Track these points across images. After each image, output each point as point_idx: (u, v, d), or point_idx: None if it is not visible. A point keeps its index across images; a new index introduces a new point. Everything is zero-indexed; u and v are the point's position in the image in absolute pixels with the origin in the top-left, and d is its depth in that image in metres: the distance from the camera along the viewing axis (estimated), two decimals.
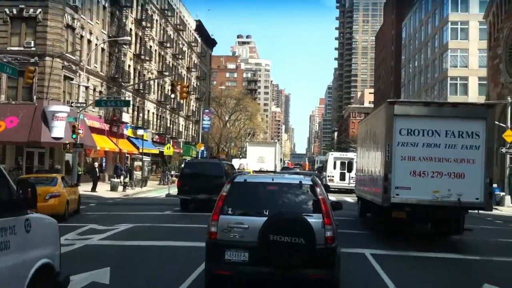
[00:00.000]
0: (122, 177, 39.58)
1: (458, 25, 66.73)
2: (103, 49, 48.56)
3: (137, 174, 45.37)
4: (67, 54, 40.02)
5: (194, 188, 23.51)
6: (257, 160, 51.26)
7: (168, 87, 62.73)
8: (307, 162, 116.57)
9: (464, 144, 15.05)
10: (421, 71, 79.62)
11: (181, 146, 77.91)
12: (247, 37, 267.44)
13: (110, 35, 48.84)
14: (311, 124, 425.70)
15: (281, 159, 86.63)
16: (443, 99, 61.17)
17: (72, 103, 38.38)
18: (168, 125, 72.34)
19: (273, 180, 8.98)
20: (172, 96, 35.47)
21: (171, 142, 70.44)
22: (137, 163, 47.39)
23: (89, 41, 44.78)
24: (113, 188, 37.14)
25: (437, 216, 15.80)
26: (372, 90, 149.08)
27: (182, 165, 33.55)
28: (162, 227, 18.36)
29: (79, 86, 41.63)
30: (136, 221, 19.35)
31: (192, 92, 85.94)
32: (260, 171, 45.16)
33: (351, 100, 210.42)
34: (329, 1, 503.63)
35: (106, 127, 48.59)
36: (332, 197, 12.72)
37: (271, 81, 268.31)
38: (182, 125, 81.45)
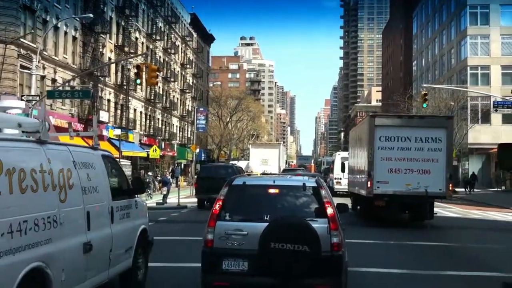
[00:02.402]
0: None
1: (478, 9, 59.86)
2: (74, 38, 42.26)
3: None
4: (24, 41, 33.76)
5: (208, 188, 25.55)
6: (261, 163, 48.66)
7: (159, 83, 56.54)
8: (312, 164, 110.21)
9: (430, 147, 18.93)
10: (436, 62, 72.88)
11: (176, 149, 71.66)
12: (251, 38, 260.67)
13: (85, 23, 42.65)
14: (317, 126, 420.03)
15: (286, 161, 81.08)
16: (463, 90, 54.71)
17: (22, 96, 31.92)
18: (160, 125, 66.08)
19: (274, 182, 8.09)
20: (138, 81, 29.01)
21: (163, 145, 64.35)
22: None
23: (56, 28, 38.42)
24: None
25: (409, 203, 19.48)
26: (379, 88, 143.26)
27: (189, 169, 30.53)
28: None
29: (42, 78, 35.34)
30: None
31: (187, 90, 79.79)
32: (264, 174, 41.09)
33: (357, 100, 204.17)
34: (330, 0, 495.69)
35: (79, 127, 42.21)
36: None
37: (276, 82, 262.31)
38: (176, 126, 75.16)
